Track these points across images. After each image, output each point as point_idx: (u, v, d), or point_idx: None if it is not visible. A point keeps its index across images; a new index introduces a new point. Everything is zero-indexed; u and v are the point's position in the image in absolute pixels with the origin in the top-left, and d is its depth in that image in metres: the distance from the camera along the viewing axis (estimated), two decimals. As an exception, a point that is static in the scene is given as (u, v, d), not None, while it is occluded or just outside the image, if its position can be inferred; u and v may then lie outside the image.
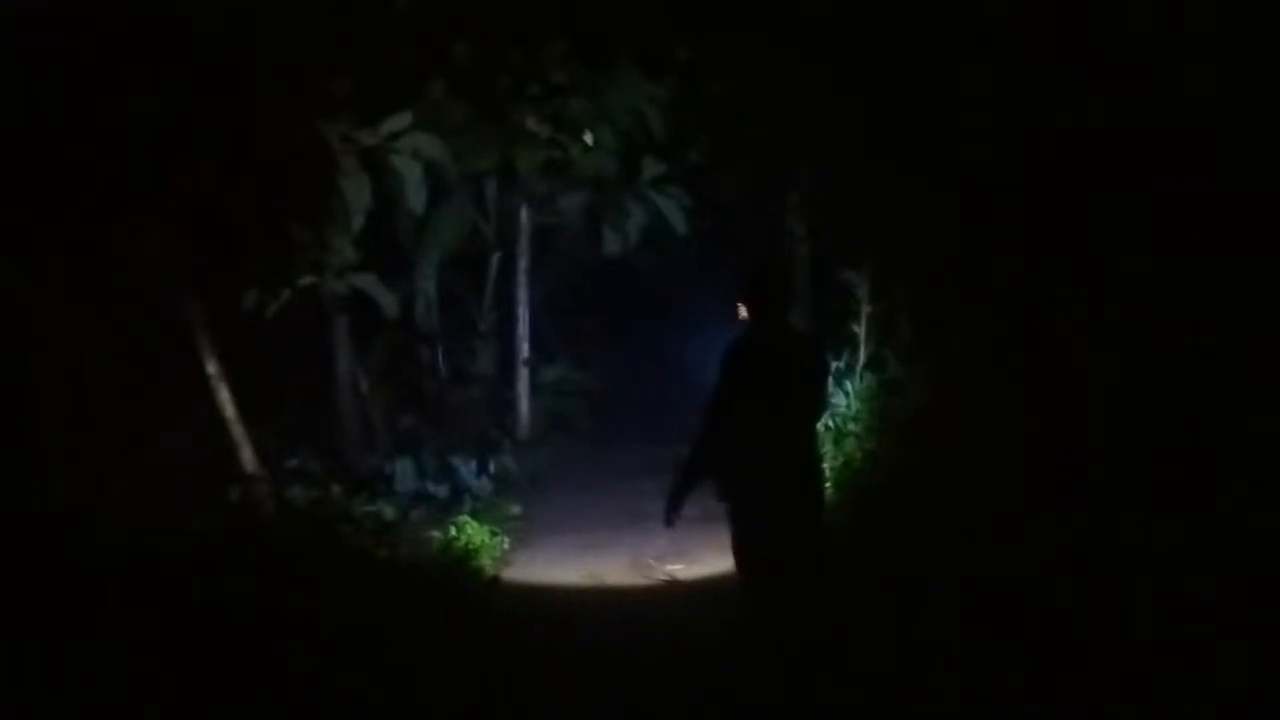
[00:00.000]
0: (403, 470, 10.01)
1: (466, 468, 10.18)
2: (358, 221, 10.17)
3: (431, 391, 13.04)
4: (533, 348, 13.22)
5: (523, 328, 13.15)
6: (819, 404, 5.08)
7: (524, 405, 13.00)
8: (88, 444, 8.69)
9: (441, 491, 9.81)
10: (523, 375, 13.06)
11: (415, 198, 11.02)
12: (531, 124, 11.22)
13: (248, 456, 9.72)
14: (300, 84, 9.44)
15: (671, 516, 4.91)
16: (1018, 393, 6.70)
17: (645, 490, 9.86)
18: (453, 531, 8.34)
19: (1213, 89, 5.11)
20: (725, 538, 7.39)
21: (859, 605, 5.45)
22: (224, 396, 9.89)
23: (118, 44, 8.34)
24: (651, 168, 12.34)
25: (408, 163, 10.74)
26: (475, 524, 8.49)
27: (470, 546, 8.05)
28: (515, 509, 9.36)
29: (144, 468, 8.92)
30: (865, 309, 10.07)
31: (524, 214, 12.96)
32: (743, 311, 4.95)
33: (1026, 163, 6.77)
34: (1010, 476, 6.12)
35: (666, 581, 7.74)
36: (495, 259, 13.35)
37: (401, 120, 10.54)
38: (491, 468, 10.52)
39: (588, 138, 11.53)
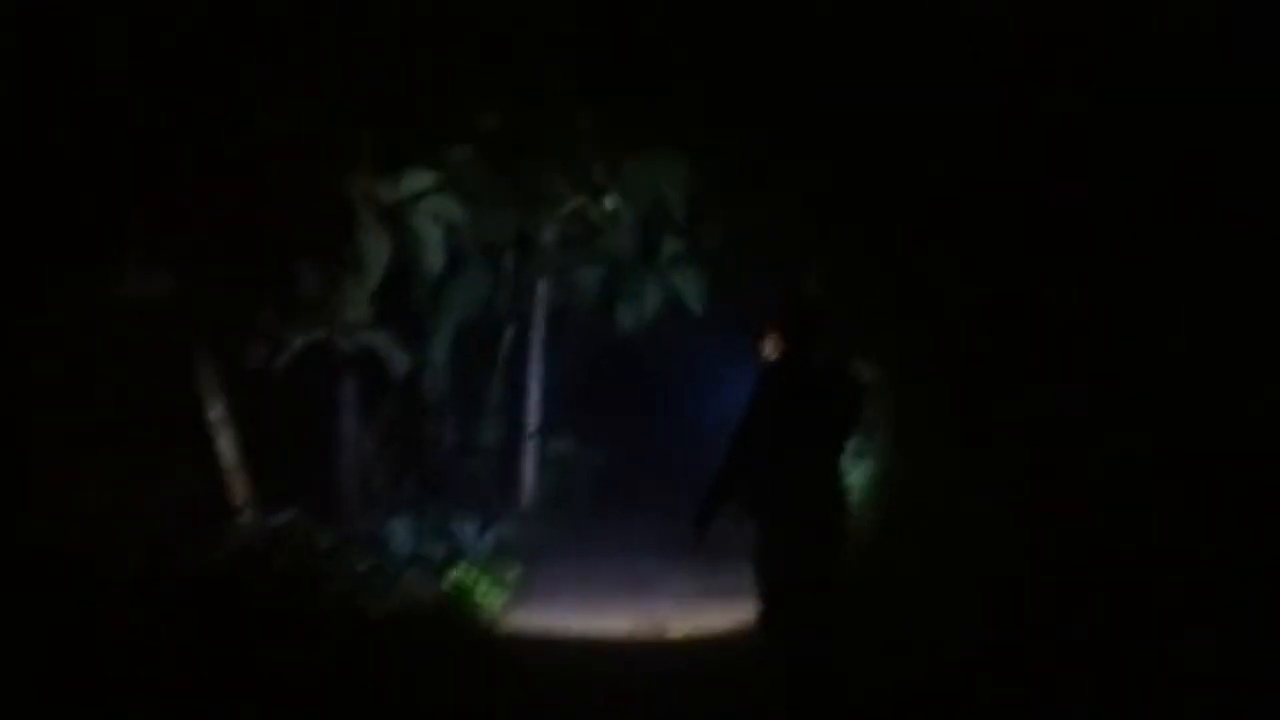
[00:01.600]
0: (399, 530, 9.79)
1: (465, 530, 9.96)
2: (374, 277, 10.16)
3: (435, 461, 12.88)
4: (541, 422, 13.09)
5: (532, 400, 13.02)
6: (851, 428, 4.96)
7: (529, 478, 12.83)
8: (84, 483, 8.59)
9: (438, 552, 9.57)
10: (529, 448, 12.91)
11: (433, 259, 11.06)
12: (553, 185, 11.20)
13: (243, 504, 9.55)
14: (323, 134, 9.49)
15: (699, 534, 4.73)
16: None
17: (645, 563, 9.72)
18: (451, 579, 8.08)
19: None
20: (728, 604, 7.24)
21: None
22: (225, 442, 9.77)
23: (138, 78, 8.41)
24: (670, 245, 12.35)
25: (427, 224, 10.81)
26: (473, 574, 8.24)
27: (466, 596, 7.79)
28: (514, 572, 9.12)
29: (139, 508, 8.79)
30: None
31: (540, 287, 12.94)
32: (768, 347, 4.91)
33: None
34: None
35: (666, 638, 7.48)
36: (509, 331, 13.30)
37: (423, 180, 10.62)
38: (491, 534, 10.30)
39: (608, 202, 11.55)
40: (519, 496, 12.70)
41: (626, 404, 14.59)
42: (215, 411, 9.64)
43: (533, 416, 13.05)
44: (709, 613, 7.89)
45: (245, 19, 8.30)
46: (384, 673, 6.01)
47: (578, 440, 13.64)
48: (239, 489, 9.64)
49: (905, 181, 8.03)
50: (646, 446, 14.04)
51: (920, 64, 6.75)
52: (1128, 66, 5.39)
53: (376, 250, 9.90)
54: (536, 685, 6.26)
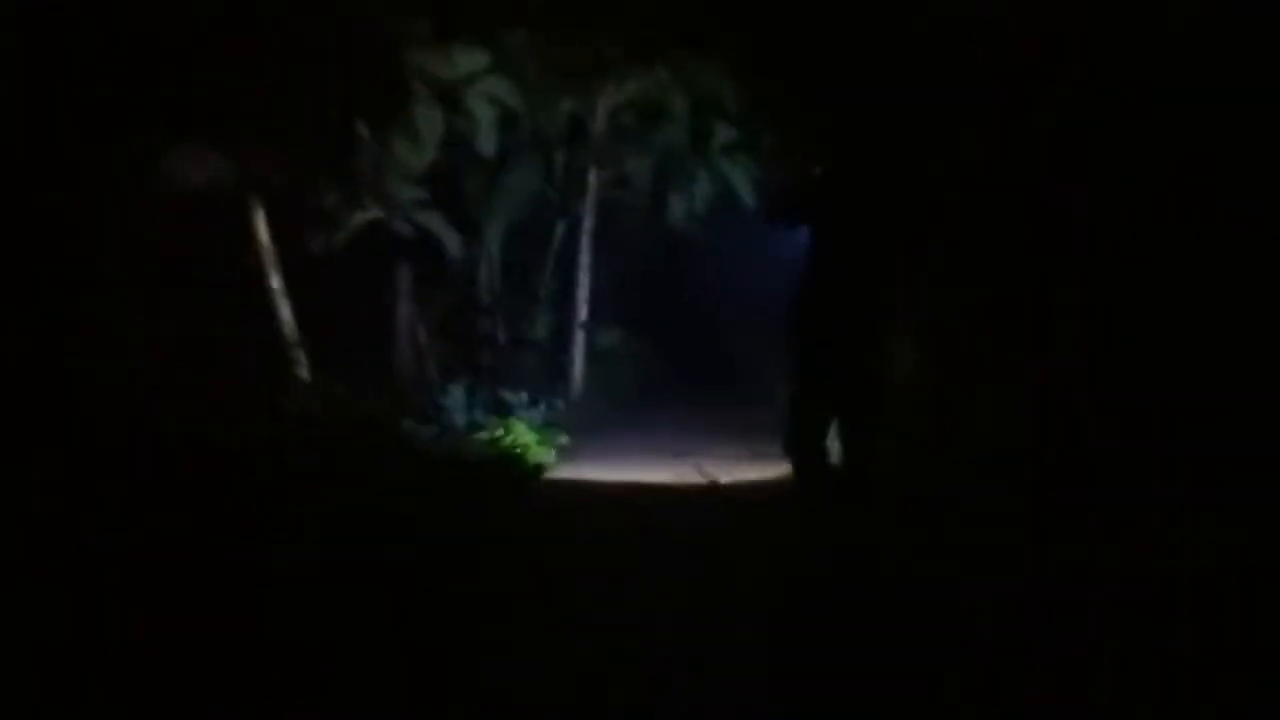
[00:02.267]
0: (454, 398, 10.00)
1: (518, 398, 10.15)
2: (428, 152, 10.29)
3: (488, 353, 13.09)
4: (591, 314, 13.23)
5: (583, 292, 13.15)
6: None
7: (578, 369, 12.99)
8: (152, 362, 8.86)
9: (491, 421, 9.78)
10: (579, 339, 13.06)
11: (487, 141, 11.17)
12: (608, 62, 11.23)
13: (304, 371, 9.81)
14: (379, 9, 9.59)
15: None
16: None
17: (689, 439, 9.89)
18: (500, 431, 8.28)
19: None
20: (770, 465, 7.33)
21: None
22: (285, 313, 10.02)
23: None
24: (722, 135, 12.36)
25: (482, 104, 10.91)
26: (524, 426, 8.42)
27: (517, 444, 7.98)
28: (563, 439, 9.31)
29: (206, 380, 9.04)
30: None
31: (591, 177, 13.00)
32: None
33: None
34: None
35: (709, 484, 7.62)
36: (560, 226, 13.42)
37: (477, 60, 10.71)
38: (542, 406, 10.49)
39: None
40: (568, 386, 12.88)
41: (676, 298, 14.69)
42: (275, 280, 9.86)
43: (583, 309, 13.19)
44: (751, 470, 8.02)
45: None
46: (450, 509, 6.16)
47: (626, 333, 13.78)
48: (299, 356, 9.88)
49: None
50: (694, 338, 14.15)
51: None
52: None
53: (430, 123, 10.04)
54: (587, 515, 6.43)
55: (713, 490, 7.36)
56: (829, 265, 4.63)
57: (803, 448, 4.63)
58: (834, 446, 4.74)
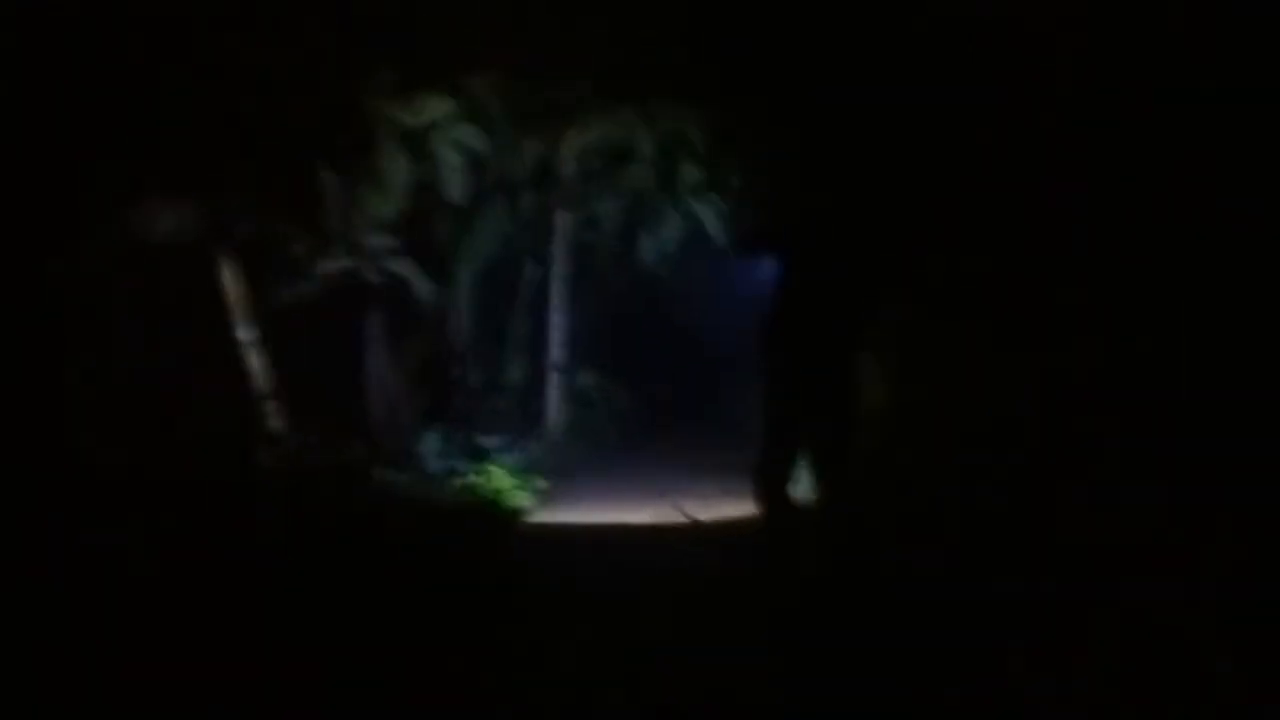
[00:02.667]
0: (429, 444, 9.92)
1: (493, 442, 10.09)
2: (396, 199, 10.28)
3: (462, 399, 13.00)
4: (565, 357, 13.20)
5: (556, 334, 13.12)
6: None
7: (553, 411, 12.93)
8: (120, 408, 8.75)
9: (469, 466, 9.70)
10: (553, 382, 13.01)
11: (454, 187, 11.17)
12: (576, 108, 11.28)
13: (275, 423, 9.71)
14: (341, 54, 9.59)
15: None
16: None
17: (666, 479, 9.84)
18: (477, 476, 8.21)
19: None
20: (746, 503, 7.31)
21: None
22: (255, 364, 9.94)
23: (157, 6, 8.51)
24: (691, 175, 12.41)
25: (449, 150, 10.92)
26: (501, 470, 8.36)
27: (495, 489, 7.92)
28: (541, 482, 9.24)
29: (175, 433, 8.93)
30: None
31: (560, 220, 13.02)
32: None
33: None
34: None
35: (687, 522, 7.58)
36: (531, 270, 13.41)
37: (444, 107, 10.72)
38: (518, 450, 10.42)
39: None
40: (544, 429, 12.81)
41: (649, 340, 14.67)
42: (244, 332, 9.79)
43: (556, 352, 13.16)
44: (730, 507, 7.98)
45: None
46: (429, 554, 6.09)
47: (601, 375, 13.74)
48: (270, 407, 9.79)
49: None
50: (669, 380, 14.13)
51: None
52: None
53: (397, 171, 10.03)
54: (568, 554, 6.37)
55: (693, 529, 7.31)
56: (799, 290, 4.65)
57: (767, 479, 4.62)
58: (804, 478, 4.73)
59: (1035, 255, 5.97)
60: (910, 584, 4.57)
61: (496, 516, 7.41)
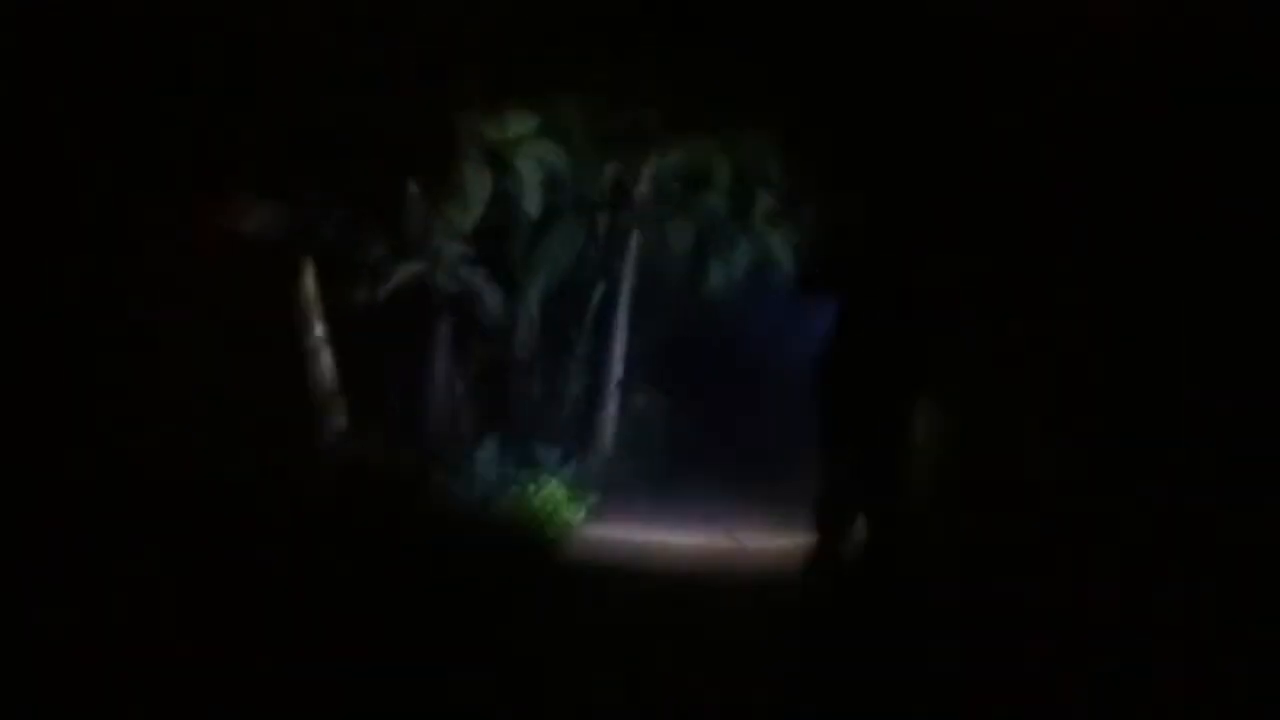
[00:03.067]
0: (486, 453, 10.08)
1: (549, 455, 10.23)
2: (475, 212, 10.48)
3: (522, 409, 13.17)
4: (626, 376, 13.31)
5: (619, 352, 13.23)
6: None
7: (611, 429, 13.04)
8: (183, 405, 8.98)
9: (523, 476, 9.84)
10: (613, 399, 13.12)
11: (532, 202, 11.36)
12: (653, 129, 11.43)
13: (340, 422, 9.92)
14: (433, 69, 9.81)
15: None
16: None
17: (716, 506, 9.90)
18: (531, 488, 8.34)
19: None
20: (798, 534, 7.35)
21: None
22: (325, 362, 10.17)
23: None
24: (764, 203, 12.48)
25: (529, 166, 11.12)
26: (555, 483, 8.49)
27: (548, 502, 8.04)
28: (594, 498, 9.35)
29: (237, 429, 9.14)
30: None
31: (632, 241, 13.14)
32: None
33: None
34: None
35: (737, 548, 7.64)
36: (600, 288, 13.56)
37: (527, 124, 10.93)
38: (573, 464, 10.55)
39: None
40: (601, 445, 12.92)
41: (712, 366, 14.71)
42: (318, 329, 10.02)
43: (618, 370, 13.27)
44: (781, 538, 8.02)
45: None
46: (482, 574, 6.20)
47: (660, 397, 13.82)
48: (336, 406, 10.01)
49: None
50: (729, 407, 14.15)
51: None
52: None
53: (478, 185, 10.22)
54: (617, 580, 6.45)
55: (740, 554, 7.37)
56: (855, 333, 4.71)
57: (826, 515, 4.68)
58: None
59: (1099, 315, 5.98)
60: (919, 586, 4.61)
61: (545, 533, 7.52)
